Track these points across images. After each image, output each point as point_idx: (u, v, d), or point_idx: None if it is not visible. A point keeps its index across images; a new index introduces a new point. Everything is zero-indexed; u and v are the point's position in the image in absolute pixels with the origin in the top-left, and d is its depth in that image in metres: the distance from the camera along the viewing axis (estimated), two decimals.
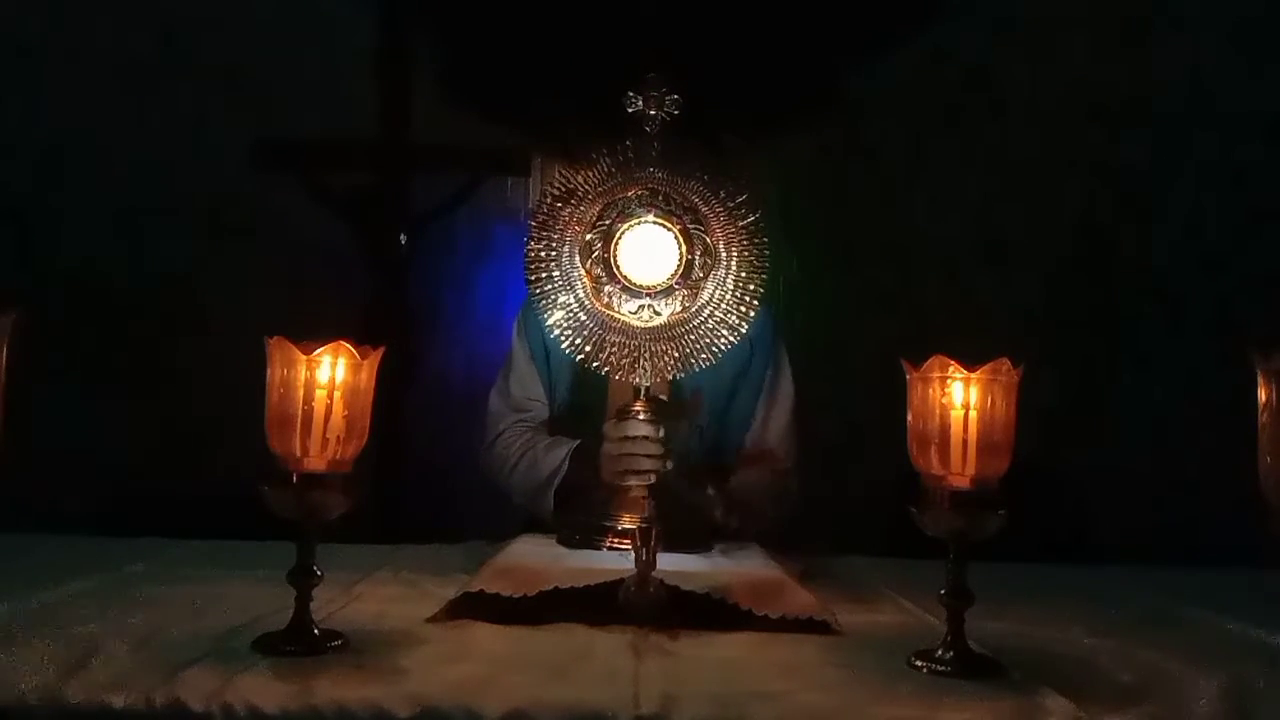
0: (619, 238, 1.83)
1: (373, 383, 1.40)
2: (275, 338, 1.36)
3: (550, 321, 1.86)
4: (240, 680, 1.18)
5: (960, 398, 1.37)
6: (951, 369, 1.38)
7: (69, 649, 1.28)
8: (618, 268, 1.83)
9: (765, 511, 2.14)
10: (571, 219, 1.86)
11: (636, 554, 1.46)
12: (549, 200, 1.88)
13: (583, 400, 2.16)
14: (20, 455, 1.43)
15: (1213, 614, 1.72)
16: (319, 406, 1.35)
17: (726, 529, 1.87)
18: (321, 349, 1.35)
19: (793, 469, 2.28)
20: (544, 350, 2.24)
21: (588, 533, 1.79)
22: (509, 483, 2.24)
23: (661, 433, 1.83)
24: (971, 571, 1.34)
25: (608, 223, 1.84)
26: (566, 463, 2.09)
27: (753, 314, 1.85)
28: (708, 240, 1.85)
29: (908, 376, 1.42)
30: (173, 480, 3.24)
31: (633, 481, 1.82)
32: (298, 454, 1.34)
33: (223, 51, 3.54)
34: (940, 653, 1.33)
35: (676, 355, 1.84)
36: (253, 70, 3.49)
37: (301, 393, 1.35)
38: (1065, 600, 1.79)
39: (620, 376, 1.84)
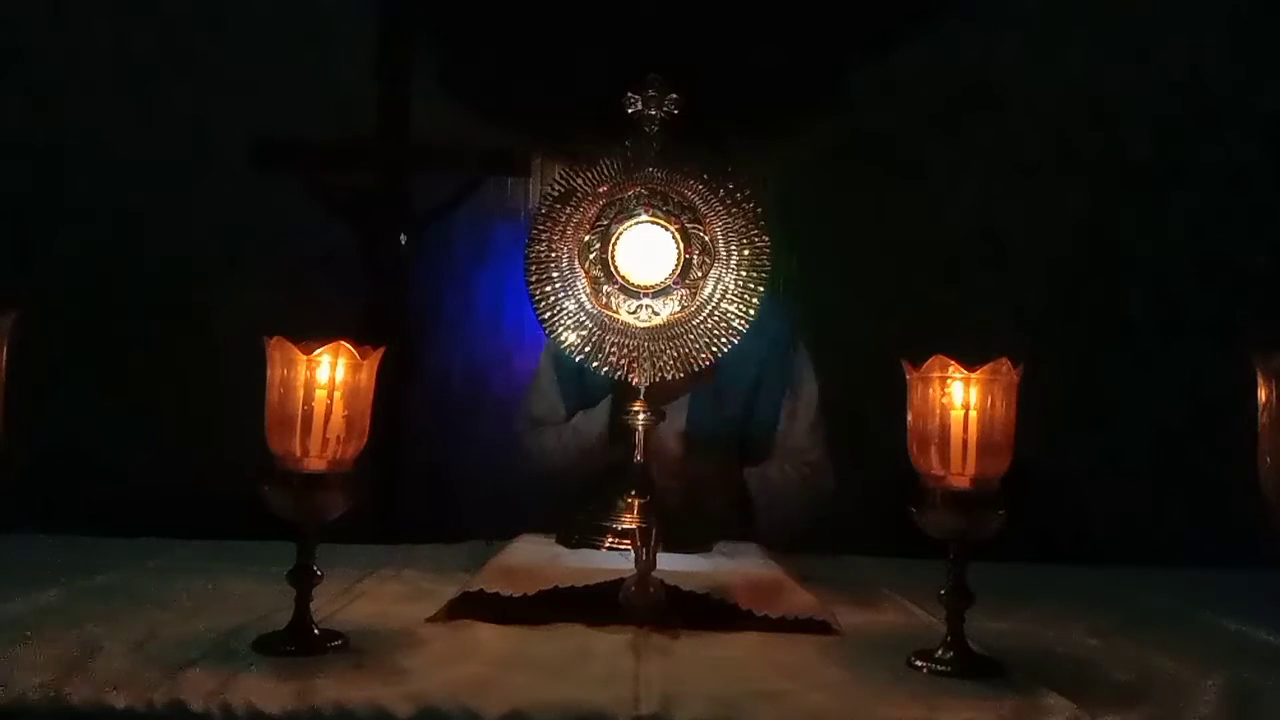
0: (617, 238, 1.84)
1: (373, 383, 1.40)
2: (275, 338, 1.36)
3: (549, 322, 1.87)
4: (240, 680, 1.18)
5: (960, 398, 1.37)
6: (951, 369, 1.38)
7: (69, 649, 1.28)
8: (615, 268, 1.84)
9: (798, 513, 2.18)
10: (571, 219, 1.86)
11: (636, 554, 1.46)
12: (549, 200, 1.88)
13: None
14: (20, 455, 1.44)
15: (1213, 614, 1.72)
16: (319, 406, 1.35)
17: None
18: (321, 349, 1.35)
19: (823, 463, 2.33)
20: (576, 371, 2.26)
21: (587, 533, 1.79)
22: (560, 443, 2.31)
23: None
24: (971, 571, 1.34)
25: (606, 223, 1.85)
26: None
27: (753, 313, 1.85)
28: (706, 239, 1.85)
29: (908, 376, 1.42)
30: (173, 480, 3.24)
31: None
32: (298, 454, 1.34)
33: (223, 51, 3.54)
34: (940, 653, 1.33)
35: (676, 355, 1.84)
36: (253, 70, 3.48)
37: (301, 393, 1.34)
38: (1065, 600, 1.79)
39: (619, 377, 1.84)
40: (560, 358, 2.31)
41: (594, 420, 2.25)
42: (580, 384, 2.31)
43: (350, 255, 3.45)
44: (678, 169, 1.85)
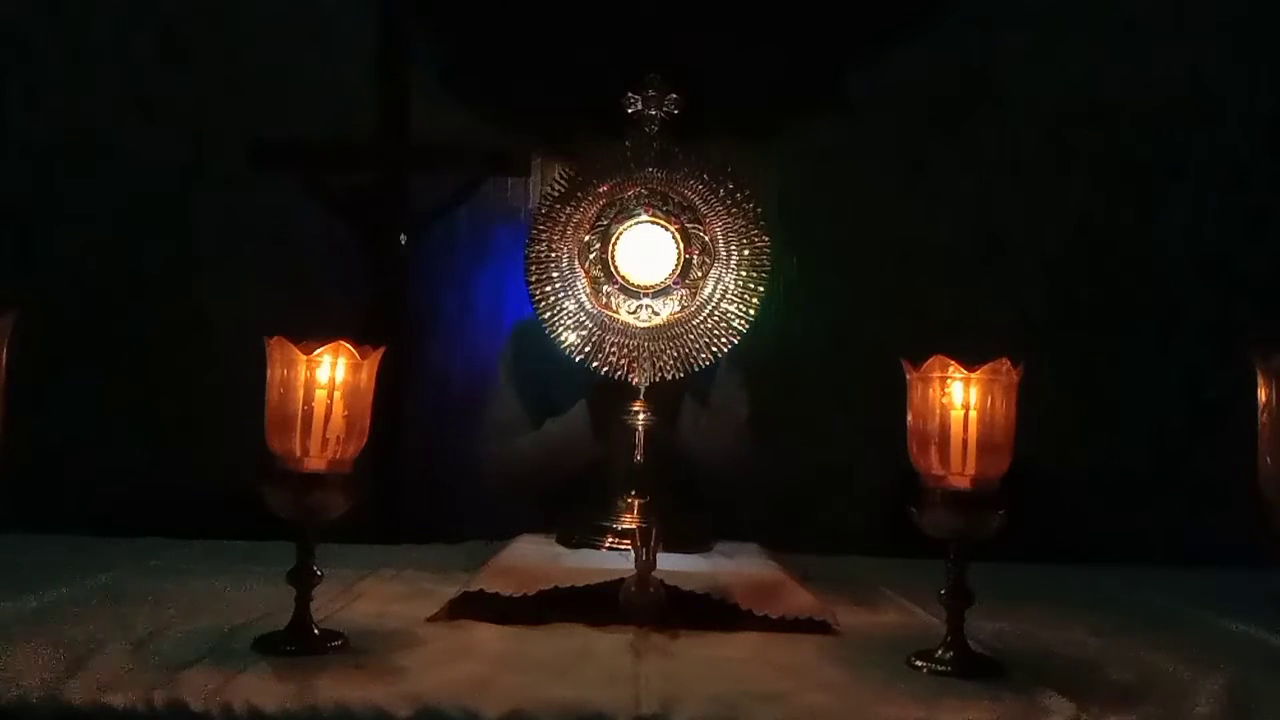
0: (617, 238, 1.84)
1: (373, 383, 1.40)
2: (275, 338, 1.36)
3: (549, 322, 1.87)
4: (240, 680, 1.18)
5: (960, 398, 1.37)
6: (951, 369, 1.38)
7: (69, 649, 1.28)
8: (615, 268, 1.84)
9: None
10: (571, 219, 1.86)
11: (636, 554, 1.46)
12: (549, 200, 1.88)
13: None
14: (20, 455, 1.44)
15: (1213, 614, 1.72)
16: (319, 406, 1.35)
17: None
18: (321, 349, 1.35)
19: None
20: (537, 377, 2.31)
21: (587, 533, 1.79)
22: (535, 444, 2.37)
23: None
24: (971, 571, 1.34)
25: (606, 223, 1.85)
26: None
27: (754, 313, 1.85)
28: (706, 239, 1.85)
29: (908, 376, 1.42)
30: (173, 480, 3.24)
31: None
32: (298, 454, 1.34)
33: (223, 51, 3.54)
34: (940, 653, 1.33)
35: (676, 355, 1.84)
36: (253, 70, 3.49)
37: (301, 393, 1.35)
38: (1065, 600, 1.79)
39: (619, 377, 1.84)
40: (515, 367, 2.43)
41: (570, 423, 2.29)
42: (546, 391, 2.36)
43: (350, 255, 3.45)
44: (677, 169, 1.85)
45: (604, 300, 1.84)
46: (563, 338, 1.85)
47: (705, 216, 1.85)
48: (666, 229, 1.84)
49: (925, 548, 1.42)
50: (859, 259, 3.55)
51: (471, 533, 2.12)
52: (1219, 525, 2.54)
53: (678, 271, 1.84)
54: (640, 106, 1.86)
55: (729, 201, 1.85)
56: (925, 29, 3.55)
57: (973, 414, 1.37)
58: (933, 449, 1.37)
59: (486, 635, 1.43)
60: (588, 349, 1.84)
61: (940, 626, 1.36)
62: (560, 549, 1.77)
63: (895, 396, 1.44)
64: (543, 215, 1.88)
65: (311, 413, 1.34)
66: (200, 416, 3.37)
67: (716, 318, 1.85)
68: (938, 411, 1.38)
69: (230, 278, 3.49)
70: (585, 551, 1.74)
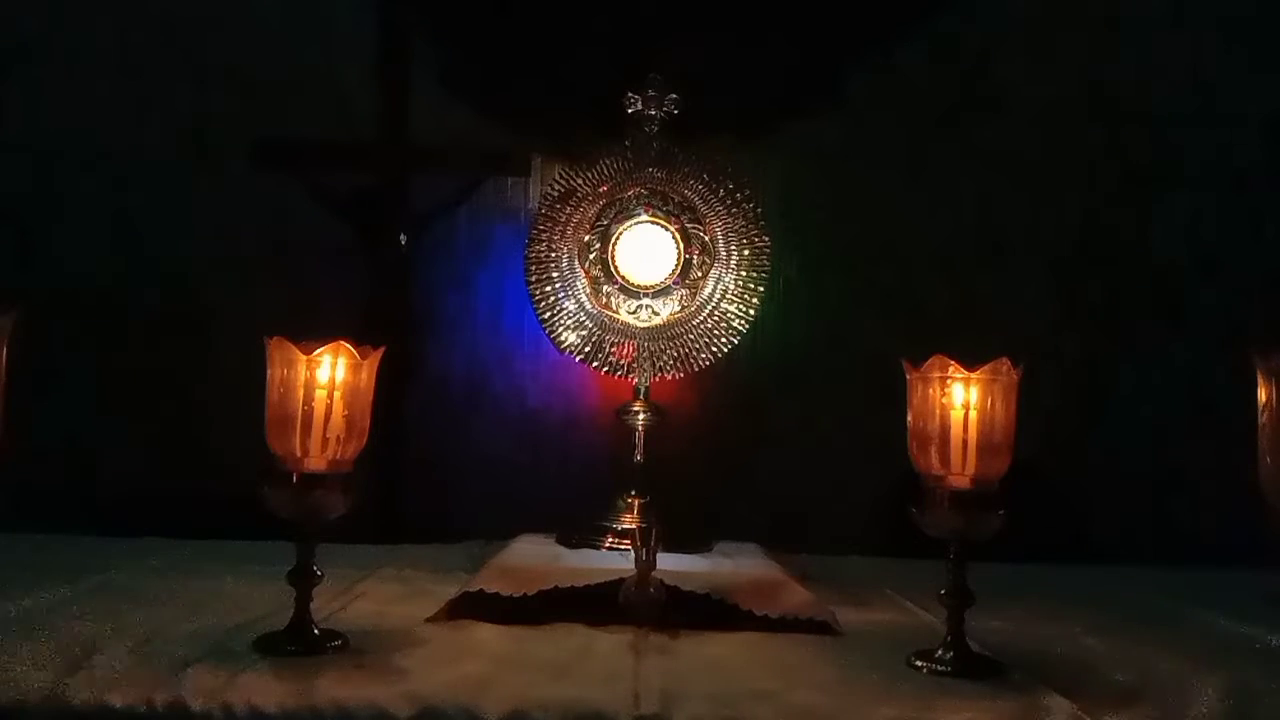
0: (617, 238, 1.84)
1: (373, 383, 1.40)
2: (275, 338, 1.36)
3: (549, 322, 1.87)
4: (240, 680, 1.18)
5: (960, 398, 1.38)
6: (951, 369, 1.39)
7: (69, 649, 1.28)
8: (615, 268, 1.84)
9: None
10: (571, 219, 1.86)
11: (636, 554, 1.46)
12: (549, 200, 1.88)
13: None
14: (20, 455, 1.44)
15: (1213, 614, 1.72)
16: (319, 406, 1.35)
17: None
18: (321, 349, 1.36)
19: None
20: None
21: (587, 533, 1.79)
22: None
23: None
24: (971, 571, 1.34)
25: (606, 223, 1.85)
26: None
27: (753, 313, 1.85)
28: (706, 239, 1.85)
29: (908, 376, 1.42)
30: (173, 480, 3.24)
31: None
32: (298, 454, 1.34)
33: (223, 51, 3.54)
34: (940, 653, 1.34)
35: (676, 355, 1.84)
36: (253, 70, 3.48)
37: (301, 393, 1.35)
38: (1065, 600, 1.79)
39: (619, 376, 1.85)
40: None
41: None
42: None
43: (350, 255, 3.45)
44: (677, 169, 1.85)
45: (604, 300, 1.85)
46: (563, 338, 1.86)
47: (705, 216, 1.85)
48: (666, 229, 1.84)
49: (925, 548, 1.43)
50: (859, 259, 3.55)
51: (471, 533, 2.11)
52: (1219, 525, 2.54)
53: (678, 271, 1.84)
54: (640, 106, 1.87)
55: (729, 201, 1.86)
56: (925, 28, 3.54)
57: (973, 414, 1.37)
58: (933, 449, 1.38)
59: (486, 635, 1.43)
60: (588, 349, 1.85)
61: (940, 626, 1.36)
62: (560, 549, 1.77)
63: (895, 396, 1.44)
64: (543, 215, 1.89)
65: (311, 413, 1.35)
66: (200, 416, 3.36)
67: (716, 318, 1.85)
68: (938, 411, 1.38)
69: (230, 278, 3.49)
70: (585, 551, 1.74)
